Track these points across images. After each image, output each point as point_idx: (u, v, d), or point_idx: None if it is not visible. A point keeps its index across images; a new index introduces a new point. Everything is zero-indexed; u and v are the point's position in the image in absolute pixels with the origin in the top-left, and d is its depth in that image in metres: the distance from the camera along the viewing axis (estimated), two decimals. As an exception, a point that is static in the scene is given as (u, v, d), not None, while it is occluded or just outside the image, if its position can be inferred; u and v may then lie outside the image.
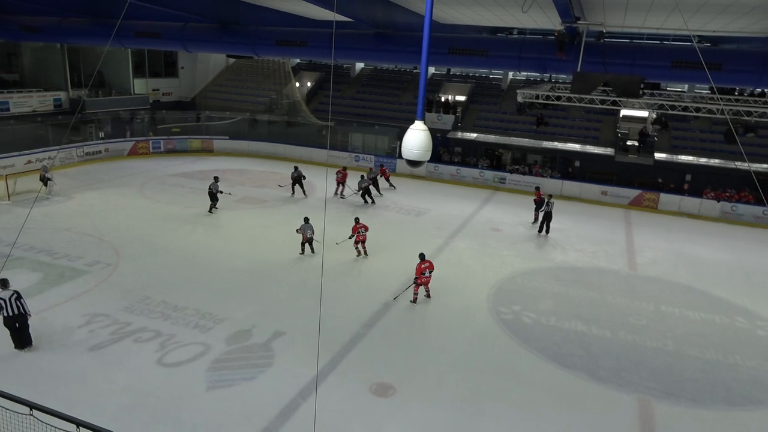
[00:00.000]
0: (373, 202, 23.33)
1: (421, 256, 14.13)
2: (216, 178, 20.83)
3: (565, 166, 28.02)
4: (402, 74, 35.75)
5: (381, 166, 26.74)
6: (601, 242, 20.20)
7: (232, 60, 38.57)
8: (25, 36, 25.25)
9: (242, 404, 9.67)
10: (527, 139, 28.91)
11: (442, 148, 29.76)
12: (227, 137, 32.04)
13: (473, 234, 20.11)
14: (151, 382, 10.14)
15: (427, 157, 5.90)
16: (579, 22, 14.58)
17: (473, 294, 14.93)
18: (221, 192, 20.58)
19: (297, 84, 35.32)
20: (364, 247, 17.00)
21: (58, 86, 30.57)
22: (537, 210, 21.44)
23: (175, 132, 32.30)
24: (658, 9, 13.23)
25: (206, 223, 19.64)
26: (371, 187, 23.61)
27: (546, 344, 12.46)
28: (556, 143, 28.40)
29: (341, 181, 24.05)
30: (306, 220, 16.92)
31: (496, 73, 34.11)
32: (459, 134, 29.97)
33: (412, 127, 5.91)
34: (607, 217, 23.77)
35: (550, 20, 15.88)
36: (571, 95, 18.68)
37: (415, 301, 14.09)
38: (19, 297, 10.93)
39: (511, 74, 33.27)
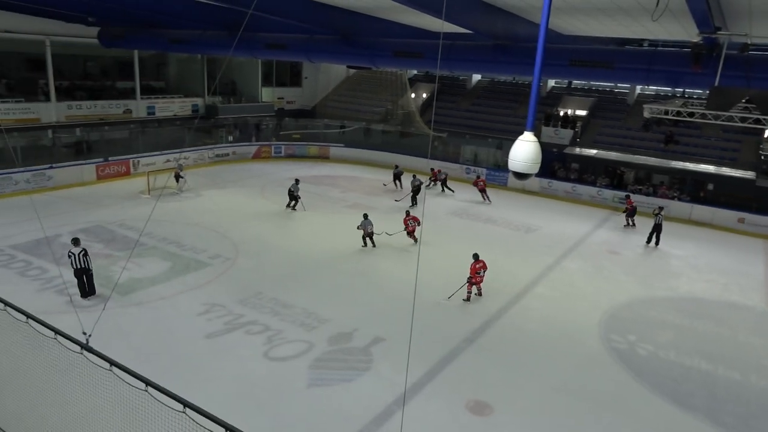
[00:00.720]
0: (416, 204, 23.77)
1: (475, 256, 14.61)
2: (297, 180, 22.35)
3: (695, 189, 25.74)
4: (519, 87, 34.93)
5: (432, 169, 27.46)
6: (735, 274, 18.26)
7: (352, 71, 39.94)
8: (172, 48, 27.94)
9: (339, 405, 9.87)
10: (653, 158, 26.93)
11: (557, 164, 28.61)
12: (343, 145, 33.19)
13: (587, 255, 19.06)
14: (257, 373, 10.68)
15: (535, 169, 5.66)
16: (719, 32, 13.32)
17: (583, 318, 14.12)
18: (299, 197, 21.88)
19: (413, 95, 35.76)
20: (413, 236, 18.48)
21: (197, 93, 33.45)
22: (628, 217, 22.88)
23: (296, 138, 34.03)
24: (818, 17, 11.75)
25: (318, 225, 20.39)
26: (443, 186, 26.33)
27: (663, 380, 11.46)
28: (686, 163, 26.15)
29: (483, 189, 25.47)
30: (365, 216, 18.17)
31: (622, 87, 32.19)
32: (577, 150, 28.63)
33: (520, 138, 5.71)
34: (743, 247, 21.46)
35: (685, 31, 14.69)
36: (707, 112, 17.12)
37: (468, 299, 14.49)
38: (86, 254, 13.08)
39: (638, 88, 31.24)
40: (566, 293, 15.70)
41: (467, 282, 14.46)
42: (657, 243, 20.60)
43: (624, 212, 23.18)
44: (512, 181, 27.78)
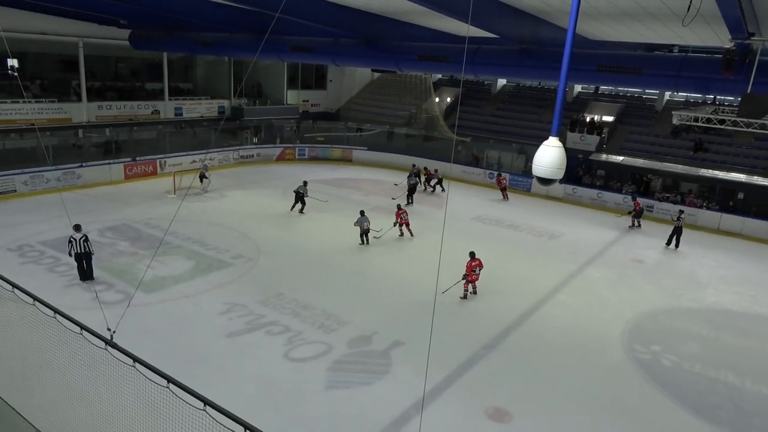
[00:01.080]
0: (412, 202, 24.52)
1: (471, 255, 14.78)
2: (305, 182, 22.34)
3: (725, 198, 25.17)
4: (545, 92, 34.60)
5: (425, 168, 28.28)
6: (765, 285, 17.80)
7: (376, 74, 40.02)
8: (200, 50, 28.38)
9: (357, 407, 9.87)
10: (681, 166, 26.42)
11: (581, 169, 28.25)
12: (366, 148, 33.27)
13: (611, 263, 18.77)
14: (277, 374, 10.75)
15: (560, 175, 5.60)
16: (753, 38, 13.02)
17: (606, 327, 13.90)
18: (308, 196, 21.95)
19: (437, 99, 35.70)
20: (409, 229, 19.60)
21: (223, 95, 33.91)
22: (634, 218, 23.30)
23: (320, 141, 34.23)
24: None
25: (339, 228, 20.40)
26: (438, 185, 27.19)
27: (687, 392, 11.22)
28: (716, 172, 25.59)
29: (504, 188, 26.81)
30: (362, 213, 18.78)
31: (651, 93, 31.69)
32: (603, 156, 28.23)
33: (545, 143, 5.65)
34: (774, 258, 20.93)
35: (717, 36, 14.40)
36: (738, 119, 16.76)
37: (465, 297, 14.68)
38: (86, 240, 13.95)
39: (667, 94, 30.71)
40: (589, 301, 15.48)
41: (463, 279, 14.60)
42: (677, 245, 20.82)
43: (629, 213, 23.59)
44: (536, 186, 27.56)
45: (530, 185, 28.10)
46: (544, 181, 5.80)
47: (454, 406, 10.12)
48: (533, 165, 5.81)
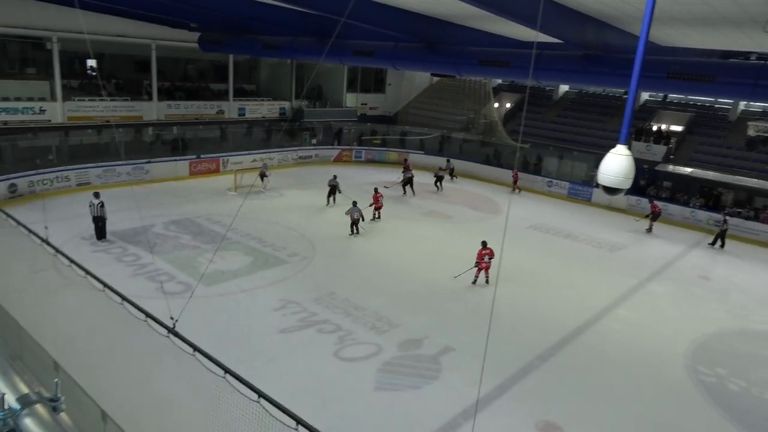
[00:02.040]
0: (412, 193, 25.97)
1: (483, 243, 15.41)
2: (335, 176, 23.32)
3: (803, 215, 23.62)
4: (609, 99, 33.51)
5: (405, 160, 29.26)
6: None
7: (435, 79, 39.90)
8: (264, 53, 29.17)
9: (405, 411, 9.85)
10: (756, 180, 24.96)
11: (644, 179, 27.17)
12: (422, 152, 33.21)
13: (675, 279, 17.95)
14: (327, 371, 10.87)
15: (627, 185, 5.38)
16: (842, 45, 12.20)
17: (668, 345, 13.29)
18: (340, 191, 22.78)
19: (496, 105, 35.23)
20: (379, 213, 21.17)
21: (284, 97, 34.68)
22: (652, 221, 23.44)
23: (376, 144, 34.43)
24: None
25: (392, 231, 20.50)
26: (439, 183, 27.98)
27: (756, 420, 10.57)
28: (794, 187, 24.06)
29: (516, 179, 28.72)
30: (354, 203, 19.31)
31: (724, 102, 30.11)
32: (670, 167, 27.05)
33: (613, 151, 5.45)
34: None
35: (802, 43, 13.57)
36: (822, 131, 15.72)
37: (474, 282, 15.62)
38: (102, 206, 16.44)
39: (742, 104, 29.11)
40: (650, 318, 14.85)
41: (474, 266, 15.46)
42: (722, 245, 21.57)
43: (647, 217, 23.69)
44: (596, 196, 26.77)
45: (590, 195, 27.29)
46: (610, 191, 5.60)
47: (504, 417, 9.94)
48: (599, 173, 5.61)
